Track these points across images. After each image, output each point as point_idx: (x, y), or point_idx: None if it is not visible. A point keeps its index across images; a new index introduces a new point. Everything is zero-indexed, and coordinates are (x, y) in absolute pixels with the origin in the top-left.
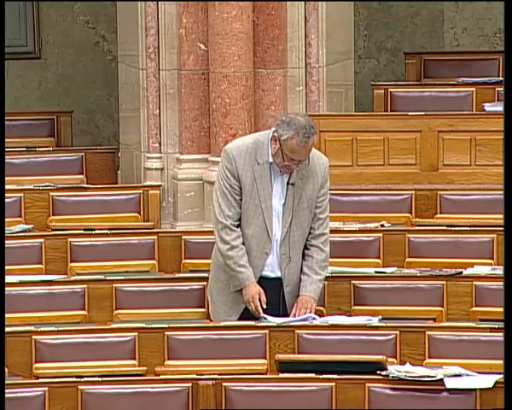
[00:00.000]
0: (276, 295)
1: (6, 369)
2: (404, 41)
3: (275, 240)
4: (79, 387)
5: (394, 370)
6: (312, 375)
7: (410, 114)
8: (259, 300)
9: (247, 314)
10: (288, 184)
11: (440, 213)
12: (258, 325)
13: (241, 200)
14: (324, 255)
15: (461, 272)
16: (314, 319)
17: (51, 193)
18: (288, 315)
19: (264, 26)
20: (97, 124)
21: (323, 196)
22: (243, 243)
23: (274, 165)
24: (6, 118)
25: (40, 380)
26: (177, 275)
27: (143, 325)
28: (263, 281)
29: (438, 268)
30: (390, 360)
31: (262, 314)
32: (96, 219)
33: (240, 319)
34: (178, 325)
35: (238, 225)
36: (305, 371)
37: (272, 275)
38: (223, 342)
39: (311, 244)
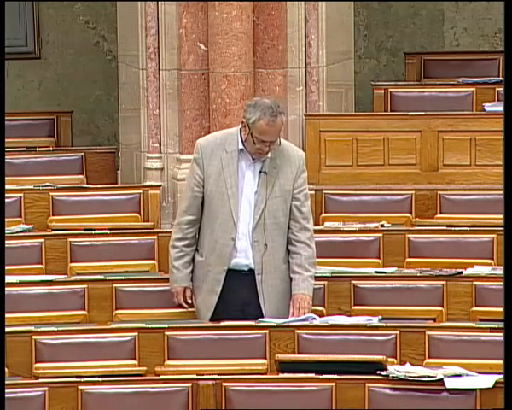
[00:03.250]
0: (251, 291)
1: (6, 369)
2: (404, 41)
3: (247, 226)
4: (79, 387)
5: (394, 370)
6: (312, 375)
7: (410, 114)
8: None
9: (220, 310)
10: (260, 172)
11: (440, 213)
12: (258, 325)
13: (201, 193)
14: (311, 251)
15: (461, 272)
16: (314, 319)
17: (51, 193)
18: (262, 311)
19: (264, 26)
20: (97, 124)
21: (300, 188)
22: (187, 246)
23: (243, 153)
24: (6, 118)
25: (40, 380)
26: None
27: (143, 325)
28: (235, 276)
29: (438, 268)
30: (390, 360)
31: (186, 306)
32: (96, 219)
33: (214, 314)
34: (178, 325)
35: (192, 221)
36: (305, 371)
37: (245, 262)
38: (223, 342)
39: (297, 240)
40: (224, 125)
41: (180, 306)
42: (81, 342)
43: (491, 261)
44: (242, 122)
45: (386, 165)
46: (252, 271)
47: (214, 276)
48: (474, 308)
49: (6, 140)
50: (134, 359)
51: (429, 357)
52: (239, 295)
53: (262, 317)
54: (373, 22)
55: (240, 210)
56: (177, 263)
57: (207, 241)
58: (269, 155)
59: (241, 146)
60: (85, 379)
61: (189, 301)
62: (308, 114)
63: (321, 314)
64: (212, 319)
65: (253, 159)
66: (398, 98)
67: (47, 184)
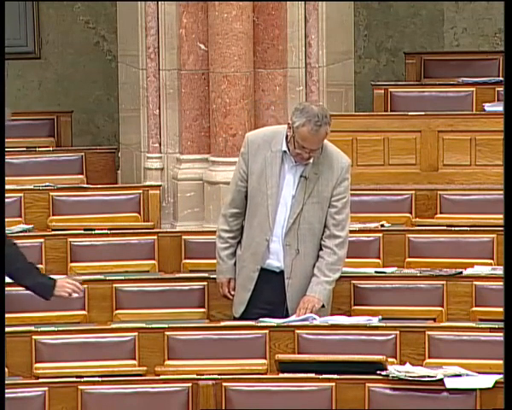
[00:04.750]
0: (280, 292)
1: (6, 369)
2: (404, 41)
3: (281, 229)
4: (79, 387)
5: (394, 370)
6: (312, 375)
7: (410, 114)
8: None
9: (250, 307)
10: (300, 176)
11: (440, 213)
12: (258, 325)
13: (244, 188)
14: (336, 258)
15: (461, 272)
16: (314, 319)
17: (51, 193)
18: (288, 313)
19: (264, 26)
20: (97, 124)
21: (339, 196)
22: (232, 238)
23: (287, 155)
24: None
25: (40, 380)
26: (177, 275)
27: (143, 325)
28: (266, 276)
29: (438, 268)
30: (390, 360)
31: (230, 297)
32: (96, 219)
33: (245, 310)
34: (178, 325)
35: (237, 214)
36: (305, 371)
37: (277, 264)
38: (223, 342)
39: (325, 245)
40: (223, 125)
41: (225, 296)
42: (81, 342)
43: (491, 261)
44: (288, 124)
45: (386, 165)
46: (282, 272)
47: (248, 273)
48: (474, 308)
49: (6, 140)
50: (134, 359)
51: (429, 357)
52: (268, 295)
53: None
54: (373, 22)
55: (276, 212)
56: (223, 254)
57: (245, 236)
58: (311, 160)
59: (284, 147)
60: (85, 379)
61: (233, 293)
62: None
63: (321, 314)
64: (242, 314)
65: (296, 162)
66: (398, 98)
67: (47, 184)
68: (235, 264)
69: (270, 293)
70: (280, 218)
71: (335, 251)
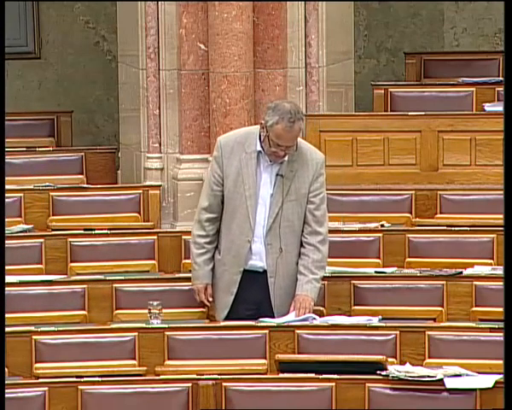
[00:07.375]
0: (264, 292)
1: (6, 369)
2: (404, 41)
3: (262, 229)
4: (79, 387)
5: (394, 370)
6: (312, 375)
7: (410, 114)
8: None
9: (235, 309)
10: (277, 175)
11: (440, 213)
12: (258, 325)
13: (220, 192)
14: (321, 255)
15: (461, 272)
16: (314, 319)
17: (51, 193)
18: (273, 312)
19: (264, 26)
20: (97, 124)
21: (316, 192)
22: (209, 243)
23: (262, 154)
24: (6, 118)
25: (40, 380)
26: (177, 275)
27: (143, 325)
28: (250, 277)
29: (438, 268)
30: (390, 360)
31: (207, 304)
32: (96, 219)
33: (229, 312)
34: (178, 325)
35: (213, 219)
36: (305, 371)
37: (260, 264)
38: (223, 342)
39: (307, 242)
40: (223, 125)
41: (202, 303)
42: (81, 342)
43: (491, 261)
44: (261, 123)
45: (386, 165)
46: (266, 272)
47: (230, 277)
48: (474, 308)
49: (6, 140)
50: (134, 359)
51: (429, 357)
52: (253, 295)
53: (274, 317)
54: (373, 22)
55: (256, 212)
56: (199, 260)
57: (224, 240)
58: (286, 158)
59: (259, 148)
60: (85, 379)
61: (211, 299)
62: (308, 114)
63: (321, 314)
64: (227, 318)
65: (271, 161)
66: (398, 98)
67: (47, 184)
68: (211, 269)
69: (255, 293)
70: (260, 218)
71: (319, 248)
